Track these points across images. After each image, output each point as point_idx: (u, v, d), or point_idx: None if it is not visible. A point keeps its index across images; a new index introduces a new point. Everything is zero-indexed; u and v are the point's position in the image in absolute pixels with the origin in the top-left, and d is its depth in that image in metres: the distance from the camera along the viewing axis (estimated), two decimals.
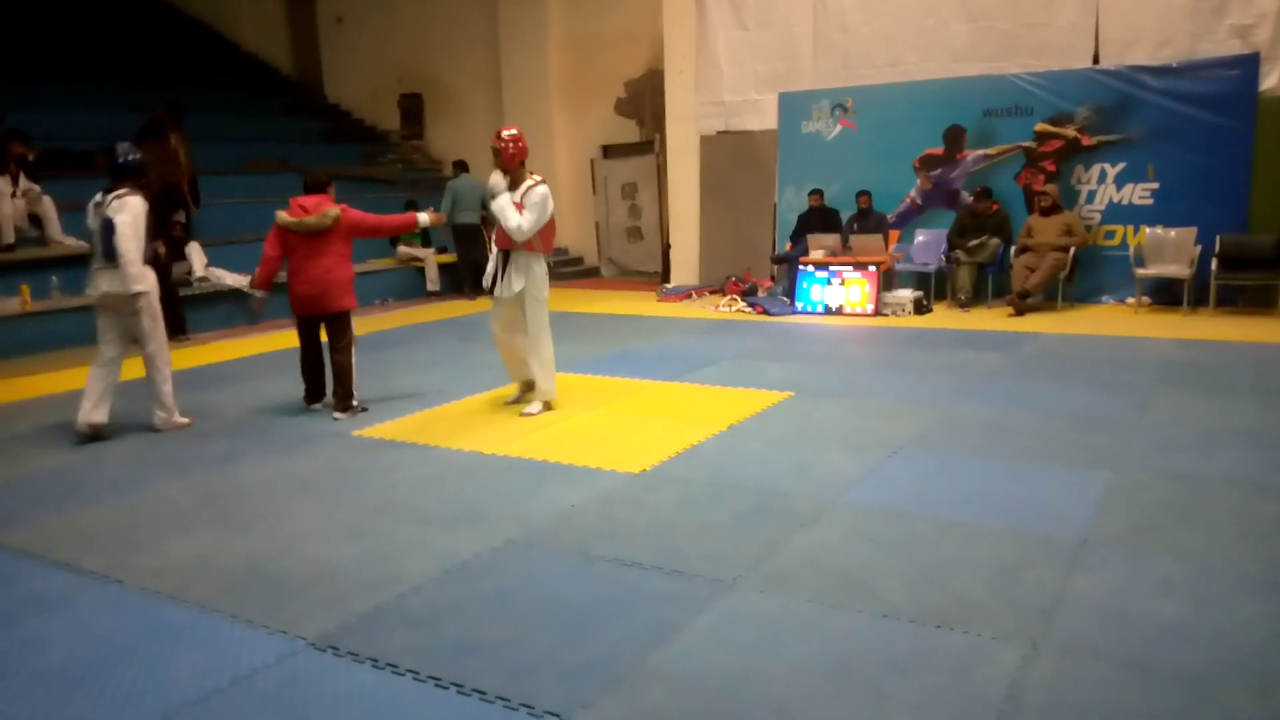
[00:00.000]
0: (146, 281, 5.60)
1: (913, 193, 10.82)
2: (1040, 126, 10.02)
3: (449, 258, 12.30)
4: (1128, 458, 4.74)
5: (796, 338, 8.65)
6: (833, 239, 10.08)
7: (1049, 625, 3.04)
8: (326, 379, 6.24)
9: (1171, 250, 9.27)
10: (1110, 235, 9.83)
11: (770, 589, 3.38)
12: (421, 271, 12.26)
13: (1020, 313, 9.21)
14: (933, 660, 2.86)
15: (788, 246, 10.95)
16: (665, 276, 12.72)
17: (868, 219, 10.36)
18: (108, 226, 5.52)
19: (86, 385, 5.68)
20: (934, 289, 10.16)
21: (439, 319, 10.37)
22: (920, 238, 10.58)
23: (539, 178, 5.84)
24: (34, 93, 11.88)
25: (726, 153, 11.97)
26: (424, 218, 6.41)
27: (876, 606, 3.21)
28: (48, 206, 9.38)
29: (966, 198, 10.31)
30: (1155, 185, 9.58)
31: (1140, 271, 9.24)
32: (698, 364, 7.35)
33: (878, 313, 9.50)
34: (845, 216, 10.59)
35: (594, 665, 2.88)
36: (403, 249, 12.31)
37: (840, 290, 9.71)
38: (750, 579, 3.46)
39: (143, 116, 10.28)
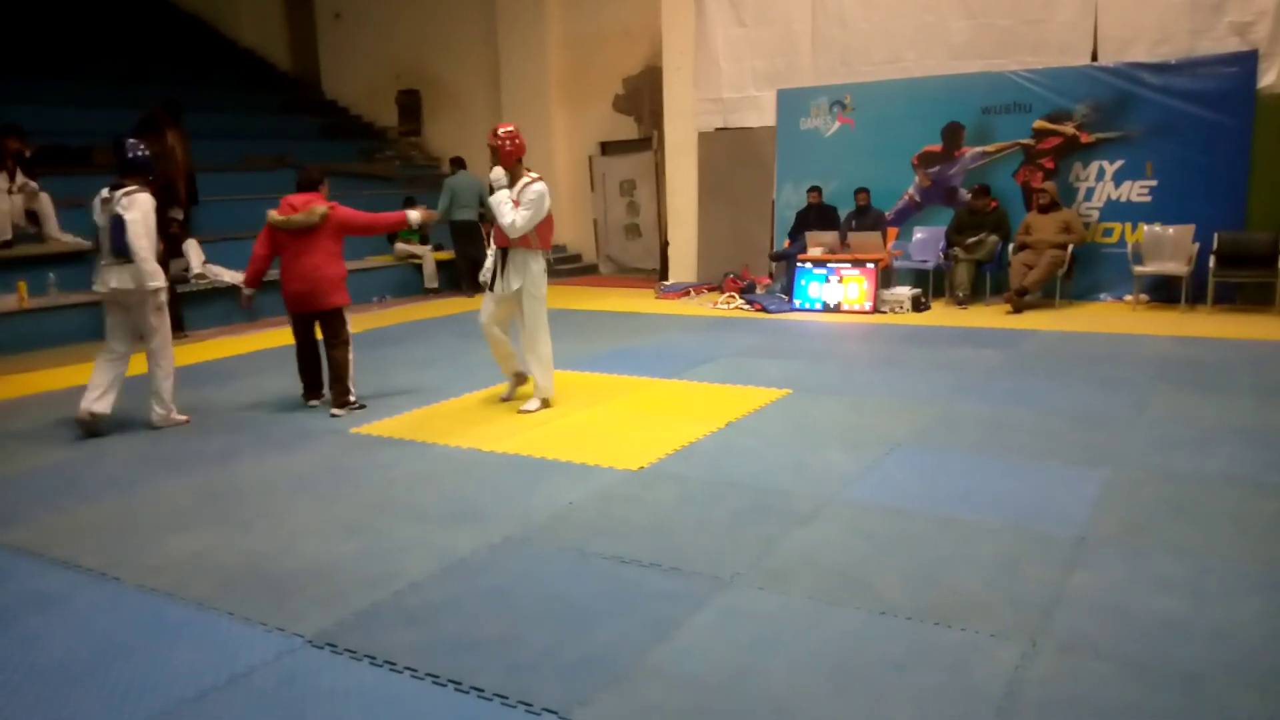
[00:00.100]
0: (162, 277, 5.67)
1: (911, 190, 10.81)
2: (1039, 124, 10.02)
3: (447, 254, 12.29)
4: (1126, 455, 4.75)
5: (794, 335, 8.65)
6: (831, 236, 10.07)
7: (1047, 623, 3.04)
8: (324, 375, 6.23)
9: (1170, 247, 9.27)
10: (1108, 232, 9.84)
11: (768, 586, 3.38)
12: (419, 268, 12.25)
13: (1018, 310, 9.21)
14: (931, 658, 2.86)
15: (786, 244, 10.95)
16: (663, 274, 12.72)
17: (866, 216, 10.36)
18: (117, 223, 5.54)
19: (92, 374, 5.70)
20: (932, 286, 10.16)
21: (437, 316, 10.36)
22: (918, 235, 10.58)
23: (535, 174, 5.84)
24: (31, 89, 11.85)
25: (725, 150, 11.96)
26: (414, 216, 6.38)
27: (875, 604, 3.21)
28: (45, 203, 9.35)
29: (965, 195, 10.31)
30: (1153, 182, 9.58)
31: (1138, 269, 9.25)
32: (696, 361, 7.35)
33: (876, 310, 9.50)
34: (844, 214, 10.59)
35: (592, 662, 2.88)
36: (400, 246, 12.30)
37: (838, 287, 9.71)
38: (748, 576, 3.46)
39: (140, 113, 10.25)
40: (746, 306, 10.14)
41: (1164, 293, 9.37)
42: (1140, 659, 2.81)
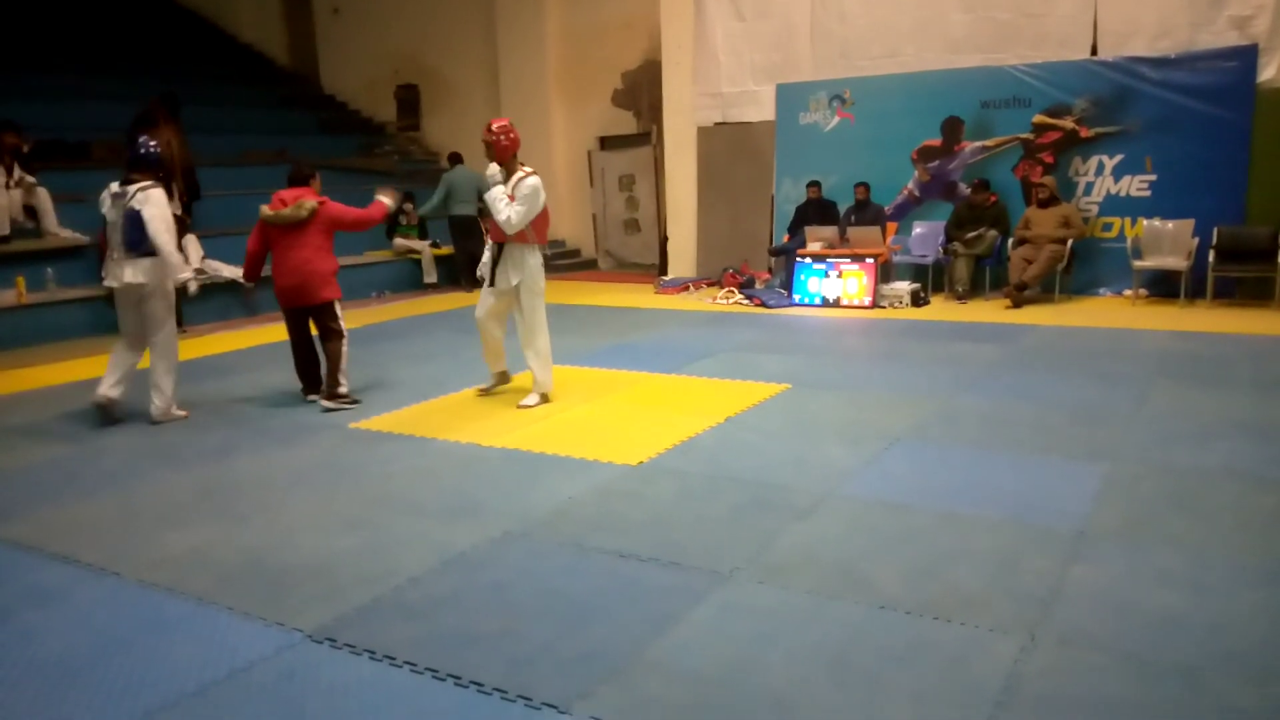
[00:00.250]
0: (187, 268, 5.88)
1: (910, 184, 10.80)
2: (1038, 118, 10.00)
3: (446, 250, 12.28)
4: (1126, 450, 4.75)
5: (794, 330, 8.64)
6: (830, 231, 10.07)
7: (1047, 616, 3.04)
8: (322, 369, 6.23)
9: (1169, 242, 9.27)
10: (1108, 227, 9.83)
11: (768, 580, 3.39)
12: (419, 264, 12.24)
13: (1018, 305, 9.21)
14: (930, 651, 2.86)
15: (785, 238, 10.94)
16: (662, 269, 12.71)
17: (865, 211, 10.35)
18: (133, 218, 5.61)
19: (109, 363, 5.87)
20: (931, 281, 10.16)
21: (436, 311, 10.35)
22: (918, 230, 10.56)
23: (530, 169, 5.83)
24: (28, 84, 11.82)
25: (724, 144, 11.95)
26: (387, 200, 6.35)
27: (874, 598, 3.21)
28: (43, 198, 9.34)
29: (964, 189, 10.30)
30: (1153, 177, 9.57)
31: (1138, 263, 9.24)
32: (695, 356, 7.35)
33: (875, 305, 9.49)
34: (843, 208, 10.58)
35: (592, 656, 2.88)
36: (399, 241, 12.28)
37: (838, 282, 9.70)
38: (748, 571, 3.46)
39: (138, 108, 10.23)
40: (746, 301, 10.14)
41: (1163, 287, 9.36)
42: (1139, 653, 2.81)
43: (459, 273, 11.94)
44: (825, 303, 9.73)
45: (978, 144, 10.38)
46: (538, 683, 2.74)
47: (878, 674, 2.74)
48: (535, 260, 5.92)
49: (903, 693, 2.64)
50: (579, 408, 5.93)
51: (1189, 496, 4.08)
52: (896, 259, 10.38)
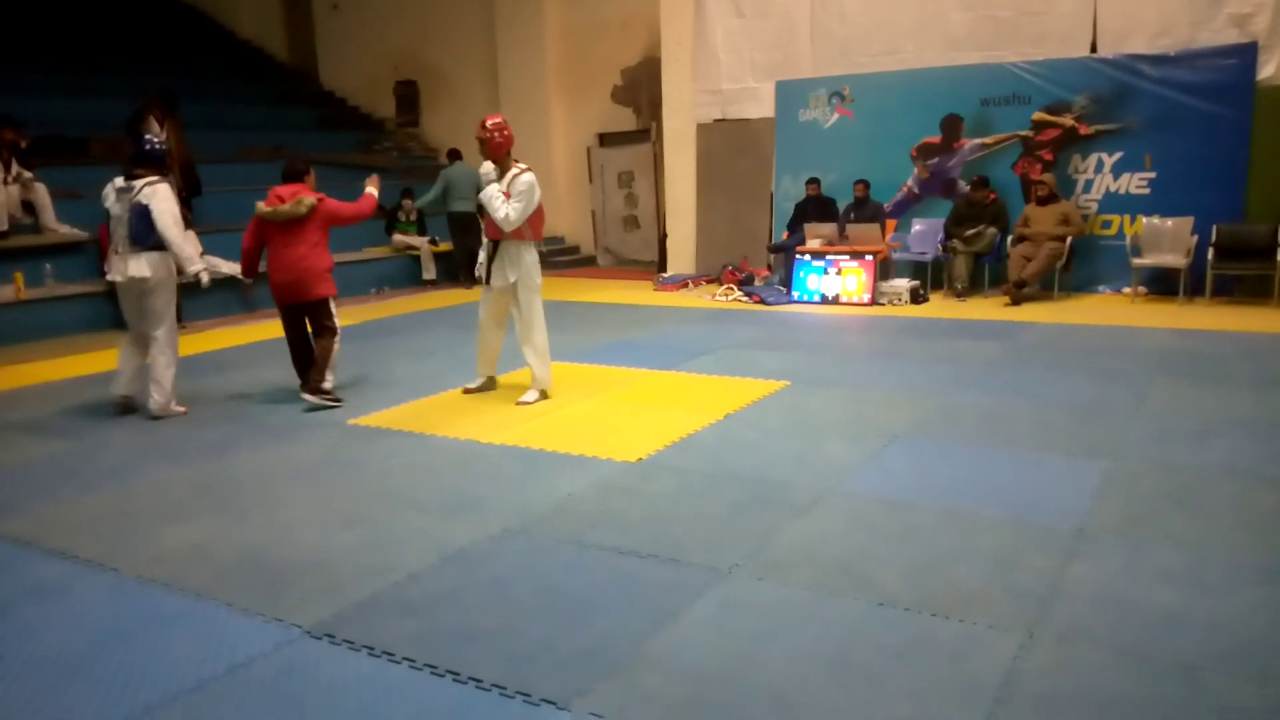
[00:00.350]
0: (200, 261, 5.96)
1: (910, 182, 10.80)
2: (1038, 115, 10.00)
3: (445, 246, 12.27)
4: (1125, 447, 4.75)
5: (793, 327, 8.64)
6: (830, 228, 10.06)
7: (1046, 614, 3.04)
8: None
9: (1168, 240, 9.27)
10: (1107, 225, 9.83)
11: (767, 577, 3.39)
12: (418, 260, 12.23)
13: (1017, 302, 9.21)
14: (929, 648, 2.86)
15: (784, 235, 10.93)
16: (662, 265, 12.70)
17: (865, 208, 10.35)
18: (140, 212, 5.66)
19: (119, 361, 6.01)
20: (931, 278, 10.16)
21: (436, 307, 10.36)
22: (917, 227, 10.56)
23: (524, 165, 5.83)
24: (27, 79, 11.80)
25: (723, 141, 11.94)
26: (372, 190, 6.36)
27: (873, 595, 3.21)
28: (41, 194, 9.33)
29: (963, 187, 10.30)
30: (1152, 175, 9.57)
31: (1137, 261, 9.24)
32: (694, 353, 7.34)
33: (874, 302, 9.49)
34: (842, 205, 10.58)
35: (591, 653, 2.88)
36: (398, 238, 12.28)
37: (837, 279, 9.70)
38: (747, 567, 3.46)
39: (136, 103, 10.21)
40: (745, 298, 10.13)
41: (1162, 285, 9.36)
42: (1138, 650, 2.82)
43: (458, 269, 11.94)
44: (824, 300, 9.72)
45: (977, 141, 10.37)
46: (537, 679, 2.74)
47: (877, 671, 2.74)
48: (531, 257, 5.92)
49: (902, 689, 2.64)
50: (578, 404, 5.93)
51: (1188, 494, 4.08)
52: (896, 256, 10.37)
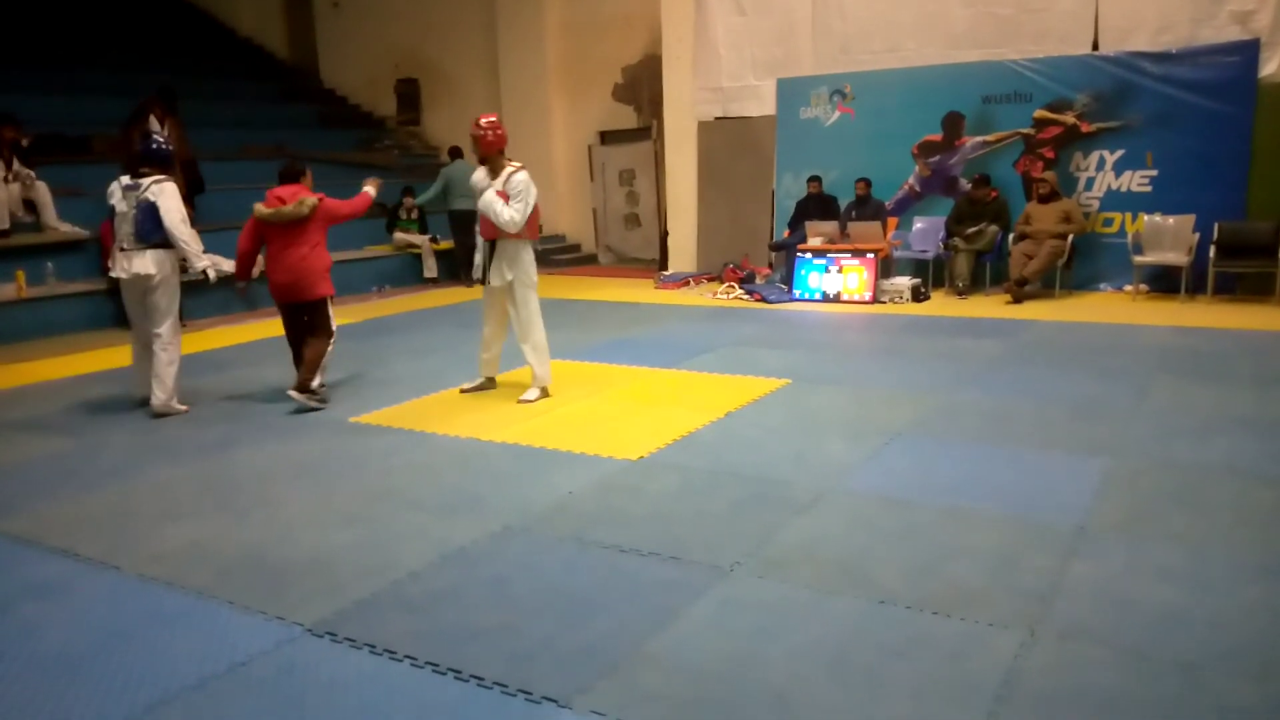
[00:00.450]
0: (205, 257, 6.02)
1: (911, 180, 10.79)
2: (1039, 113, 9.98)
3: (446, 244, 12.27)
4: (1126, 445, 4.74)
5: (794, 325, 8.64)
6: (831, 226, 10.05)
7: (1047, 612, 3.04)
8: None
9: (1170, 237, 9.26)
10: (1108, 222, 9.82)
11: (768, 575, 3.39)
12: (419, 258, 12.23)
13: (1018, 300, 9.20)
14: (930, 646, 2.86)
15: (786, 233, 10.92)
16: (663, 263, 12.69)
17: (866, 206, 10.34)
18: (148, 209, 5.72)
19: (134, 366, 6.14)
20: (932, 276, 10.15)
21: (437, 305, 10.36)
22: (918, 225, 10.56)
23: (518, 164, 5.83)
24: (27, 78, 11.80)
25: (724, 139, 11.93)
26: (370, 190, 6.37)
27: (874, 593, 3.21)
28: (42, 192, 9.33)
29: (965, 185, 10.28)
30: (1154, 172, 9.56)
31: (1138, 259, 9.23)
32: (695, 351, 7.34)
33: (875, 300, 9.48)
34: (844, 203, 10.57)
35: (591, 651, 2.88)
36: (399, 236, 12.28)
37: (838, 277, 9.69)
38: (748, 565, 3.46)
39: (136, 101, 10.21)
40: (746, 296, 10.13)
41: (1164, 283, 9.35)
42: (1139, 648, 2.81)
43: (459, 267, 11.93)
44: (825, 298, 9.72)
45: (978, 139, 10.36)
46: (538, 677, 2.74)
47: (877, 669, 2.74)
48: (528, 255, 5.93)
49: (902, 688, 2.64)
50: (579, 402, 5.93)
51: (1189, 492, 4.08)
52: (897, 254, 10.36)
